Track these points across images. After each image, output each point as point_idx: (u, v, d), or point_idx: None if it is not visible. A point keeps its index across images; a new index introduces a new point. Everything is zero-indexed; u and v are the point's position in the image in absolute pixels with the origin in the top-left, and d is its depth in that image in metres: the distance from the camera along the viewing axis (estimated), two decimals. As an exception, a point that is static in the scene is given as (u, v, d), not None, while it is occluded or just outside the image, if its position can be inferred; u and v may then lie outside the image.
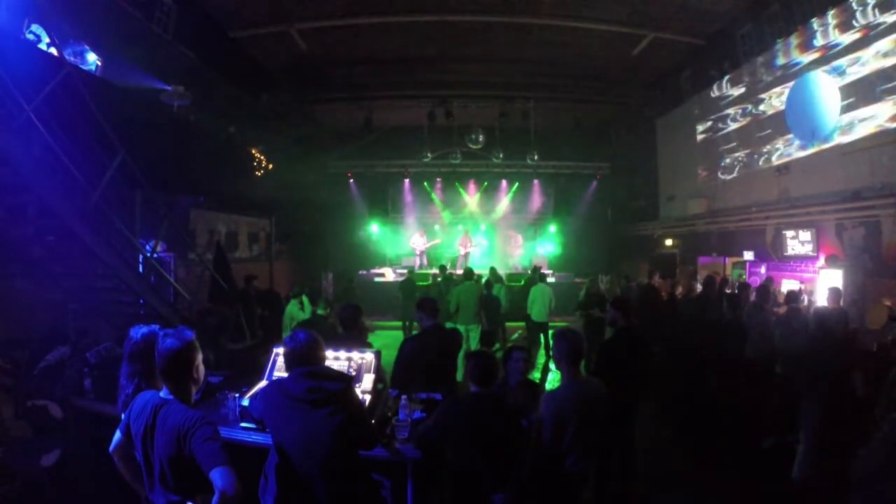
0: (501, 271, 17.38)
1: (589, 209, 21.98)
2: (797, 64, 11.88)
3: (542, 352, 12.71)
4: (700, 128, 16.02)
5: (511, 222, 22.60)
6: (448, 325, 11.07)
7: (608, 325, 7.21)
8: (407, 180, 22.33)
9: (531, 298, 12.35)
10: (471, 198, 22.92)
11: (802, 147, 11.86)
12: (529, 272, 16.53)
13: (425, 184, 22.62)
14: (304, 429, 3.60)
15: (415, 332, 6.41)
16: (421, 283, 15.83)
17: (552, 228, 22.45)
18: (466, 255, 20.93)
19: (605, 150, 21.29)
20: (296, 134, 19.74)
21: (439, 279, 14.91)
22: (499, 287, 13.26)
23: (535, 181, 22.38)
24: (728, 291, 10.23)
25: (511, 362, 5.36)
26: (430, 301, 6.08)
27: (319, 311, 8.03)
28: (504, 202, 22.86)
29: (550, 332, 12.22)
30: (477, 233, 22.22)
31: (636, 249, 20.30)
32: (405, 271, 17.47)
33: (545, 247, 21.97)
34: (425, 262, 21.15)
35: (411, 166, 21.32)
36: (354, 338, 5.71)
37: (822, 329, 6.34)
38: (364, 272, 19.81)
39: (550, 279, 16.14)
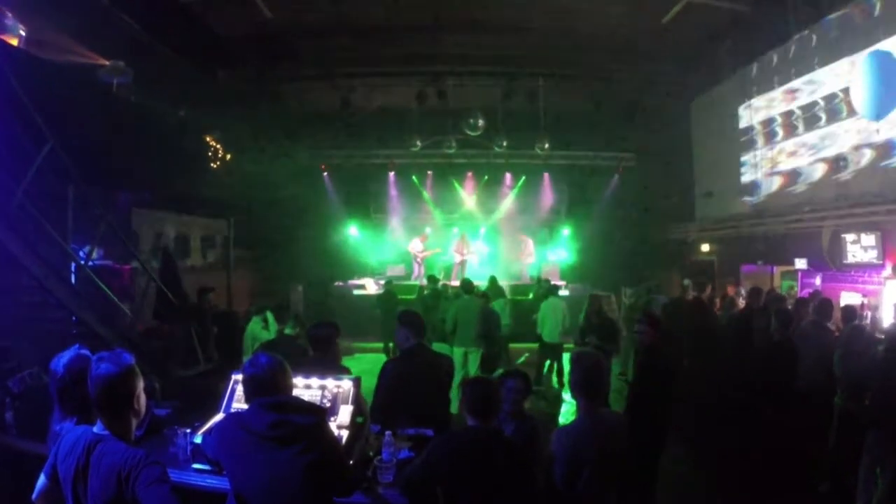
0: (504, 283, 17.43)
1: (610, 208, 22.10)
2: (862, 34, 11.82)
3: (555, 378, 12.74)
4: (743, 111, 16.11)
5: (517, 224, 22.71)
6: (440, 346, 11.11)
7: (637, 341, 7.20)
8: (392, 174, 22.43)
9: (541, 315, 12.41)
10: (468, 194, 23.04)
11: (868, 134, 11.85)
12: (537, 284, 16.56)
13: (414, 178, 22.73)
14: (268, 471, 3.58)
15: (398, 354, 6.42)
16: (405, 297, 15.85)
17: (565, 231, 22.53)
18: (463, 262, 21.02)
19: (628, 137, 21.34)
20: (259, 119, 19.72)
21: (426, 292, 14.99)
22: (501, 301, 13.32)
23: (546, 175, 22.51)
24: (781, 308, 10.24)
25: (503, 391, 5.31)
26: (412, 315, 6.07)
27: (287, 331, 8.02)
28: (508, 200, 22.99)
29: (565, 355, 12.29)
30: (476, 237, 22.35)
31: (667, 257, 20.39)
32: (387, 282, 17.46)
33: (557, 253, 22.07)
34: (422, 271, 21.23)
35: (397, 157, 21.40)
36: (329, 362, 5.70)
37: (893, 351, 6.20)
38: (341, 283, 19.83)
39: (563, 292, 16.19)
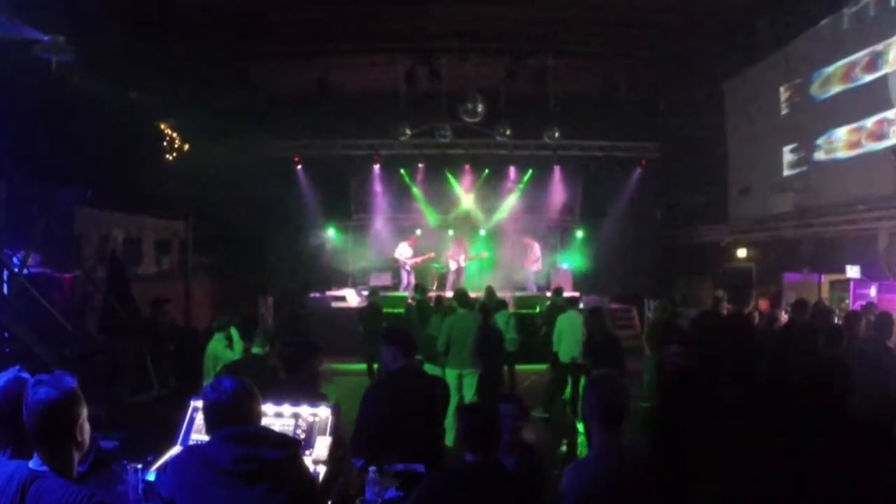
0: (507, 294, 17.44)
1: (630, 207, 22.26)
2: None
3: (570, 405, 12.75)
4: (785, 94, 16.13)
5: (522, 225, 22.80)
6: (431, 368, 11.11)
7: (666, 363, 7.16)
8: (377, 167, 22.49)
9: (558, 331, 12.40)
10: (466, 191, 23.15)
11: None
12: (549, 296, 16.56)
13: (402, 172, 22.83)
14: (233, 513, 3.58)
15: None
16: (391, 311, 15.86)
17: (579, 234, 22.56)
18: (459, 270, 21.10)
19: (652, 124, 21.50)
20: (222, 103, 19.70)
21: (413, 304, 15.05)
22: (504, 315, 13.34)
23: (556, 168, 22.64)
24: (829, 324, 10.23)
25: (502, 419, 5.31)
26: (399, 332, 6.09)
27: (255, 350, 8.01)
28: (512, 198, 23.11)
29: (582, 379, 12.30)
30: (475, 240, 22.42)
31: (696, 263, 20.45)
32: (371, 293, 17.42)
33: (570, 259, 22.14)
34: (412, 281, 21.24)
35: (383, 147, 21.45)
36: (303, 386, 5.69)
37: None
38: (317, 295, 19.87)
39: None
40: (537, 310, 16.16)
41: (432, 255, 21.73)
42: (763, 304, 13.96)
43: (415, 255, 21.35)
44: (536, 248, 21.69)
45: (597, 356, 9.97)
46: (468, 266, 21.48)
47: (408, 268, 21.23)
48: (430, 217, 23.10)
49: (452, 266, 21.14)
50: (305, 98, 19.93)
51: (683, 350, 6.11)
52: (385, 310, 15.76)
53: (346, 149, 21.68)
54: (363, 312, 15.52)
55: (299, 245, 21.86)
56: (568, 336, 12.27)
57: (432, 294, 16.36)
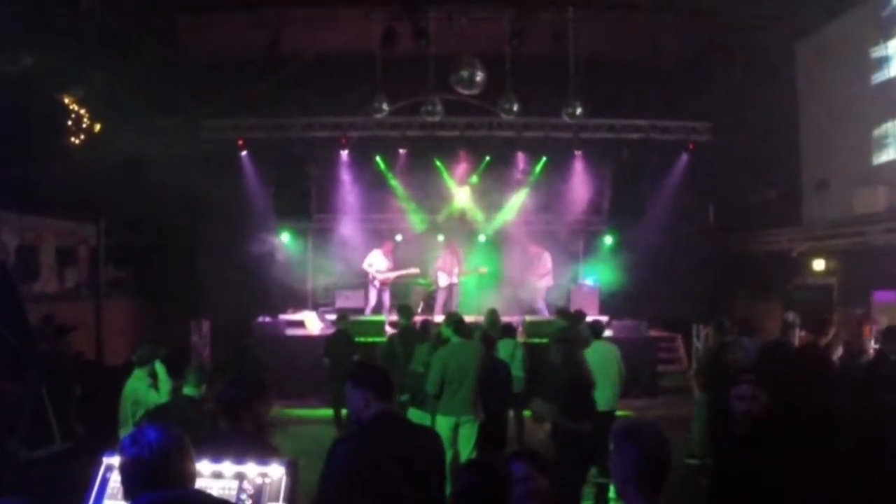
0: (515, 317, 17.41)
1: (674, 205, 22.29)
2: None
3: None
4: (875, 54, 16.16)
5: (534, 229, 22.97)
6: (417, 415, 11.06)
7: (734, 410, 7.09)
8: (345, 153, 22.50)
9: None
10: (460, 184, 23.20)
11: None
12: (562, 319, 16.44)
13: (378, 159, 22.85)
14: None
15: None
16: (364, 340, 15.83)
17: (608, 240, 22.58)
18: (452, 288, 21.18)
19: (702, 99, 21.51)
20: (144, 71, 19.65)
21: (394, 333, 15.01)
22: (509, 344, 13.39)
23: (578, 154, 22.67)
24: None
25: (513, 485, 5.15)
26: (369, 370, 6.05)
27: (187, 391, 8.02)
28: (520, 194, 23.18)
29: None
30: (472, 248, 22.54)
31: (760, 278, 20.49)
32: (339, 317, 17.33)
33: (596, 273, 22.17)
34: (386, 301, 21.20)
35: (353, 128, 21.50)
36: (250, 437, 5.69)
37: None
38: (267, 319, 19.81)
39: (607, 331, 16.19)
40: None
41: (415, 271, 21.81)
42: (846, 332, 13.95)
43: (391, 268, 21.41)
44: (546, 259, 21.74)
45: (570, 408, 9.77)
46: (463, 282, 21.56)
47: (377, 283, 21.26)
48: (415, 218, 23.17)
49: (443, 282, 21.18)
50: (251, 64, 19.84)
51: (757, 394, 5.99)
52: (357, 339, 15.74)
53: (304, 130, 21.65)
54: (328, 343, 15.49)
55: (244, 255, 21.63)
56: (600, 375, 12.10)
57: (419, 318, 16.18)
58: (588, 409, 9.66)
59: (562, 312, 16.19)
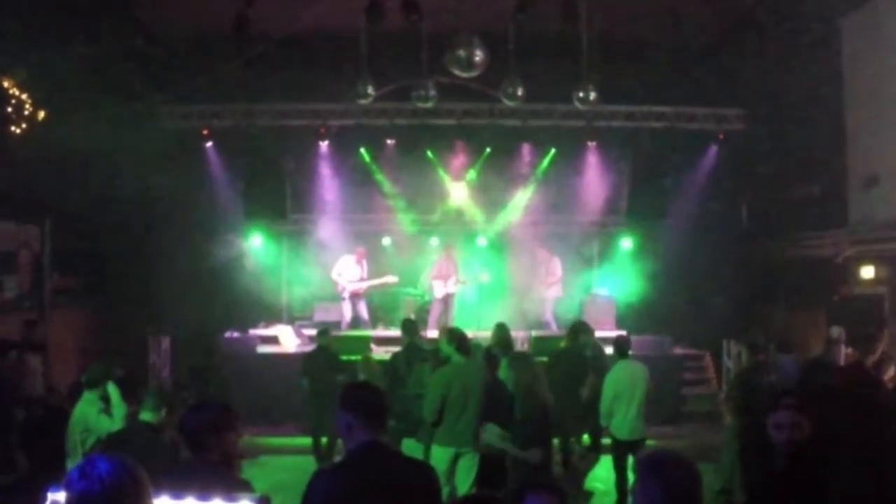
0: (520, 333, 17.41)
1: (702, 204, 22.32)
2: None
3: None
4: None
5: (541, 231, 23.00)
6: (411, 446, 11.04)
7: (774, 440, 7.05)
8: (324, 144, 22.48)
9: (610, 391, 12.24)
10: (456, 179, 23.24)
11: None
12: (575, 334, 16.29)
13: (362, 151, 22.89)
14: None
15: (338, 459, 6.33)
16: (349, 359, 15.80)
17: (626, 244, 22.59)
18: (448, 300, 21.18)
19: (733, 83, 21.54)
20: (94, 51, 19.63)
21: (398, 351, 14.84)
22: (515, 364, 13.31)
23: (591, 146, 22.70)
24: None
25: None
26: (358, 392, 5.97)
27: (144, 416, 8.01)
28: (526, 192, 23.22)
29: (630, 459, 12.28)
30: (471, 253, 22.59)
31: (801, 288, 20.43)
32: (320, 332, 17.29)
33: (612, 282, 22.16)
34: (364, 314, 21.17)
35: (333, 116, 21.48)
36: (215, 470, 5.69)
37: None
38: (235, 334, 19.80)
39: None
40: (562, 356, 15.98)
41: (392, 279, 21.73)
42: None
43: (363, 277, 21.38)
44: (556, 266, 21.77)
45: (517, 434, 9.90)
46: (459, 292, 21.57)
47: (347, 295, 21.23)
48: (404, 219, 23.25)
49: (438, 292, 21.18)
50: (218, 43, 19.82)
51: (797, 420, 5.90)
52: (342, 357, 15.67)
53: (278, 118, 21.59)
54: (307, 361, 15.42)
55: (209, 260, 21.70)
56: (626, 399, 12.13)
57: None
58: (539, 435, 9.77)
59: (576, 327, 15.63)
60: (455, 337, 11.49)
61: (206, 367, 15.29)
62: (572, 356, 14.25)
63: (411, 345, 14.51)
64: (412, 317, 18.70)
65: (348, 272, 21.24)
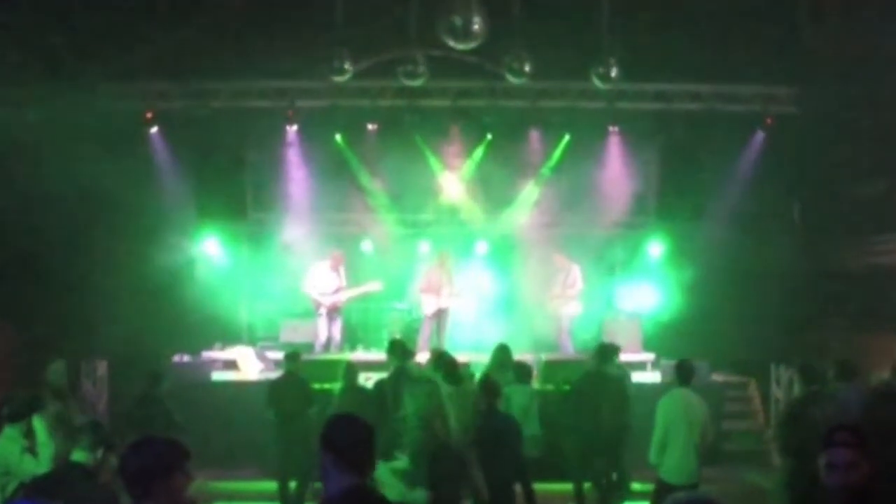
0: (528, 356, 17.40)
1: (747, 202, 22.35)
2: None
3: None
4: None
5: (553, 235, 23.04)
6: (393, 487, 11.10)
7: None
8: (292, 129, 22.56)
9: (662, 422, 12.26)
10: (452, 171, 23.32)
11: None
12: (604, 356, 16.18)
13: (338, 138, 22.94)
14: None
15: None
16: (322, 388, 15.79)
17: (655, 249, 22.60)
18: (441, 315, 21.17)
19: (786, 55, 21.49)
20: (17, 19, 19.59)
21: (384, 378, 14.80)
22: (524, 392, 13.46)
23: (612, 130, 22.77)
24: None
25: None
26: (345, 428, 5.98)
27: (77, 457, 8.04)
28: (534, 188, 23.35)
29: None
30: (468, 260, 22.69)
31: (866, 302, 20.43)
32: (288, 356, 17.27)
33: (638, 295, 22.14)
34: (337, 334, 21.14)
35: (303, 95, 21.57)
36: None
37: None
38: (186, 358, 19.78)
39: (648, 374, 16.22)
40: (577, 383, 15.94)
41: (376, 285, 21.64)
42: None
43: (340, 287, 21.33)
44: (576, 275, 21.64)
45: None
46: (454, 307, 21.52)
47: (324, 309, 21.14)
48: (388, 218, 23.36)
49: (428, 307, 21.13)
50: (165, 6, 19.85)
51: (853, 458, 5.85)
52: (315, 385, 15.66)
53: (237, 98, 21.68)
54: (273, 390, 15.36)
55: (154, 269, 21.54)
56: (681, 436, 12.08)
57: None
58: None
59: (605, 349, 15.28)
60: (443, 362, 11.57)
61: (151, 398, 15.22)
62: (602, 383, 14.10)
63: (401, 371, 14.20)
64: (398, 336, 18.73)
65: (323, 283, 21.19)
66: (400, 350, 14.93)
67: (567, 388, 15.59)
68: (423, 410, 10.18)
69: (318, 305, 21.17)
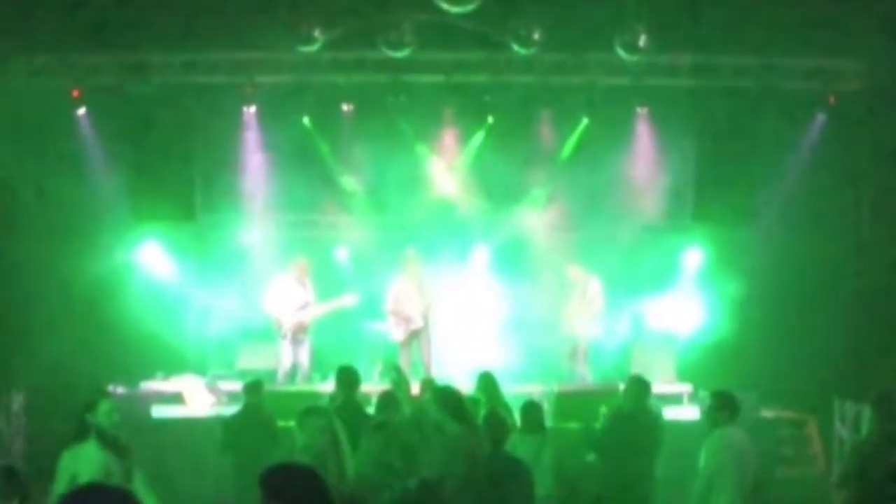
0: (535, 387, 17.43)
1: (805, 200, 22.35)
2: None
3: None
4: None
5: (568, 239, 23.19)
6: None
7: None
8: (250, 110, 22.59)
9: (708, 468, 12.30)
10: (445, 161, 23.49)
11: None
12: (641, 391, 16.09)
13: (305, 121, 22.95)
14: None
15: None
16: (289, 426, 15.83)
17: (692, 257, 22.62)
18: (415, 337, 21.23)
19: (848, 24, 21.45)
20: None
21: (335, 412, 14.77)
22: (531, 441, 13.43)
23: (640, 112, 22.85)
24: None
25: None
26: (299, 478, 6.00)
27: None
28: (547, 182, 23.28)
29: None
30: (463, 269, 22.62)
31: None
32: (248, 387, 17.30)
33: (673, 314, 22.14)
34: (304, 360, 21.07)
35: (264, 69, 21.61)
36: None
37: None
38: (120, 390, 19.75)
39: (686, 409, 16.28)
40: (603, 421, 15.99)
41: (351, 299, 21.54)
42: None
43: (308, 304, 21.29)
44: (596, 289, 21.82)
45: None
46: (436, 325, 21.58)
47: (287, 332, 21.08)
48: (367, 218, 23.44)
49: (397, 331, 21.33)
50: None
51: None
52: (279, 423, 15.65)
53: (183, 72, 21.64)
54: (229, 428, 15.41)
55: (80, 279, 21.55)
56: (729, 487, 12.09)
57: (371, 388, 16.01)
58: None
59: (636, 382, 15.00)
60: (448, 399, 11.40)
61: (79, 438, 15.26)
62: (640, 429, 13.85)
63: (350, 404, 14.00)
64: (376, 369, 18.74)
65: (287, 298, 21.16)
66: (349, 379, 14.57)
67: (592, 427, 15.51)
68: (314, 447, 10.26)
69: (281, 326, 21.09)
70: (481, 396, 14.06)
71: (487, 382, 14.63)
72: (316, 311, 21.31)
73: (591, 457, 14.18)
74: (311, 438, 10.31)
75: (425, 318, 21.06)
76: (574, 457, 14.50)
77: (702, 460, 12.19)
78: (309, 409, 11.11)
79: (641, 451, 13.52)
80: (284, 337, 21.09)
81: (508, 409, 14.01)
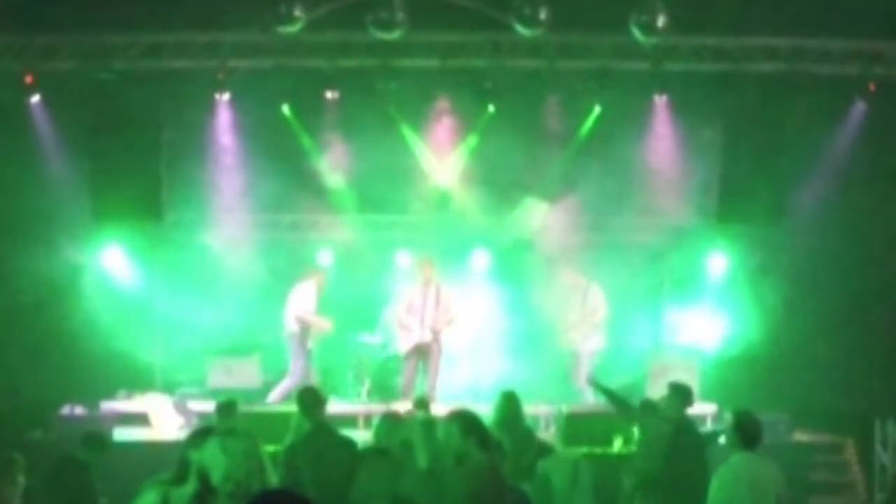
0: (541, 408, 17.32)
1: (842, 197, 22.28)
2: None
3: None
4: None
5: (579, 241, 23.12)
6: None
7: None
8: (223, 97, 22.38)
9: (721, 497, 12.22)
10: (441, 154, 23.38)
11: None
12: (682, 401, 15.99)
13: (285, 109, 22.83)
14: None
15: None
16: (276, 450, 15.72)
17: (716, 261, 22.53)
18: (422, 352, 21.17)
19: (894, 4, 21.36)
20: None
21: (295, 442, 14.46)
22: (566, 466, 13.20)
23: (659, 100, 22.69)
24: None
25: None
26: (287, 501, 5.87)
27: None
28: (554, 175, 23.08)
29: None
30: (461, 275, 22.55)
31: None
32: (221, 407, 17.23)
33: (697, 322, 22.04)
34: (307, 372, 20.97)
35: (238, 52, 21.48)
36: None
37: None
38: (77, 410, 19.65)
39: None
40: (617, 446, 15.90)
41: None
42: None
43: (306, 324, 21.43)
44: (598, 297, 21.95)
45: None
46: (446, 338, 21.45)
47: (308, 342, 21.29)
48: (354, 218, 23.37)
49: (404, 343, 21.28)
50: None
51: None
52: (269, 447, 15.49)
53: (149, 56, 21.48)
54: (188, 449, 15.17)
55: (32, 286, 21.51)
56: None
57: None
58: None
59: (648, 404, 15.24)
60: (474, 426, 11.12)
61: (77, 466, 15.20)
62: (696, 443, 14.04)
63: (321, 430, 13.45)
64: (364, 384, 18.61)
65: (306, 303, 21.49)
66: (312, 403, 13.95)
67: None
68: (237, 473, 9.96)
69: (293, 336, 21.33)
70: (499, 418, 13.84)
71: (509, 402, 14.40)
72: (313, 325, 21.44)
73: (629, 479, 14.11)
74: (234, 464, 10.02)
75: (437, 334, 20.91)
76: (613, 479, 14.44)
77: (710, 492, 11.92)
78: (230, 429, 10.92)
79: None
80: (302, 348, 21.29)
81: (531, 433, 13.96)
